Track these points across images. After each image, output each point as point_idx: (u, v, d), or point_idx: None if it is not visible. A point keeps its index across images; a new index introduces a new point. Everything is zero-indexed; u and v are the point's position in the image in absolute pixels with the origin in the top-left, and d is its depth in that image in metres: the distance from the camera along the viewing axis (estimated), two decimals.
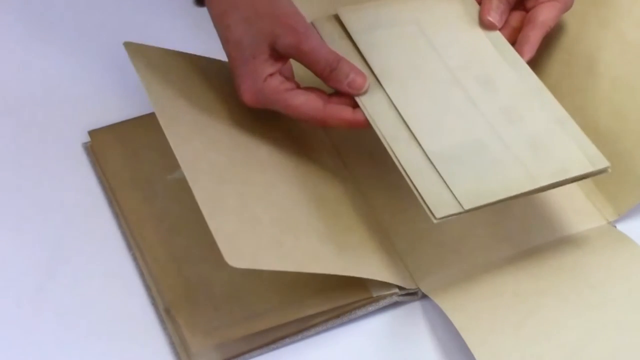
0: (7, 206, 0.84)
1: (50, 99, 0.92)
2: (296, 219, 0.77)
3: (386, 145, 0.77)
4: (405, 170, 0.75)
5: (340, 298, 0.77)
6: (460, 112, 0.80)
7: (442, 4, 0.88)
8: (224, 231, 0.70)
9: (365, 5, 0.87)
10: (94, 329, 0.77)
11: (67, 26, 0.99)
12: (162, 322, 0.77)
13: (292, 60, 0.80)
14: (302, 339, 0.77)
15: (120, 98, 0.92)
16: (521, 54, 0.84)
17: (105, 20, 0.99)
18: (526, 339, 0.74)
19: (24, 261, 0.81)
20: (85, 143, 0.89)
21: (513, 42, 0.86)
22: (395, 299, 0.78)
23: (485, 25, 0.86)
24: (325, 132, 0.88)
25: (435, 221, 0.73)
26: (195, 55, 0.86)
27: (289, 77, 0.80)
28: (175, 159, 0.74)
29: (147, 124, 0.87)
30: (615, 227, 0.84)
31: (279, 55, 0.78)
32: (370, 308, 0.78)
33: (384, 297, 0.78)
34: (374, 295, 0.78)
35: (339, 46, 0.83)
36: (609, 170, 0.77)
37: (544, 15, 0.85)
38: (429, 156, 0.76)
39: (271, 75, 0.78)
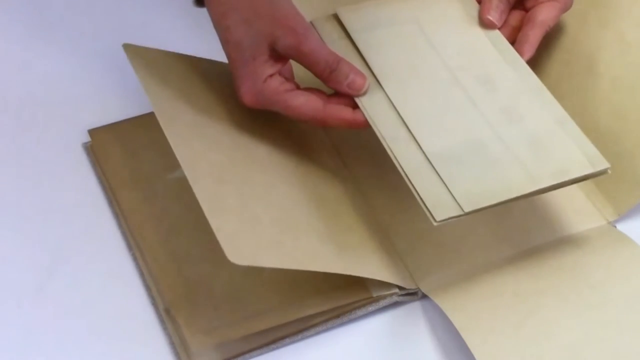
0: (7, 206, 0.84)
1: (50, 99, 0.92)
2: (296, 219, 0.77)
3: (385, 146, 0.77)
4: (404, 172, 0.75)
5: (340, 298, 0.77)
6: (460, 112, 0.80)
7: (441, 3, 0.88)
8: (225, 230, 0.71)
9: (364, 5, 0.87)
10: (94, 329, 0.77)
11: (67, 26, 0.99)
12: (162, 322, 0.77)
13: (292, 61, 0.80)
14: (302, 339, 0.77)
15: (120, 98, 0.92)
16: (521, 54, 0.84)
17: (106, 20, 0.99)
18: (526, 339, 0.74)
19: (24, 261, 0.81)
20: (86, 143, 0.89)
21: (512, 41, 0.86)
22: (395, 299, 0.78)
23: (485, 24, 0.86)
24: (325, 132, 0.88)
25: (435, 224, 0.73)
26: (194, 57, 0.86)
27: (289, 78, 0.80)
28: (176, 158, 0.74)
29: (147, 123, 0.87)
30: (615, 227, 0.84)
31: (278, 56, 0.78)
32: (370, 308, 0.78)
33: (384, 297, 0.78)
34: (374, 295, 0.78)
35: (339, 46, 0.83)
36: (609, 171, 0.77)
37: (544, 15, 0.85)
38: (429, 157, 0.76)
39: (271, 76, 0.78)
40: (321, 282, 0.77)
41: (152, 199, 0.84)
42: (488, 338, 0.74)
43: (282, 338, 0.76)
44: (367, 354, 0.77)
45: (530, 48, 0.84)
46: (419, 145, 0.77)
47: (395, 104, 0.80)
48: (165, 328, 0.77)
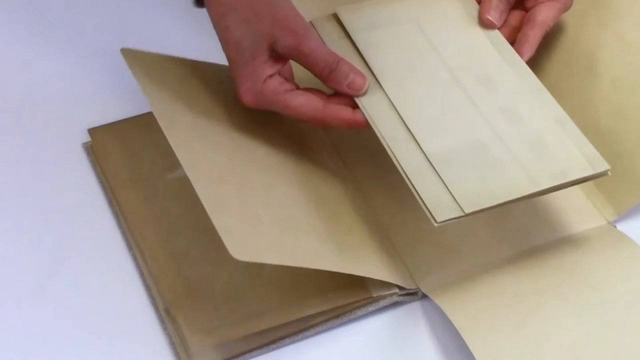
0: (7, 206, 0.84)
1: (50, 99, 0.92)
2: (296, 218, 0.77)
3: (385, 146, 0.77)
4: (404, 172, 0.75)
5: (340, 298, 0.77)
6: (459, 112, 0.80)
7: (441, 3, 0.88)
8: (227, 228, 0.70)
9: (364, 5, 0.87)
10: (94, 328, 0.77)
11: (67, 26, 0.99)
12: (162, 322, 0.77)
13: (291, 62, 0.80)
14: (302, 339, 0.77)
15: (119, 97, 0.92)
16: (520, 54, 0.84)
17: (105, 20, 0.99)
18: (526, 339, 0.74)
19: (24, 261, 0.81)
20: (86, 143, 0.89)
21: (512, 41, 0.86)
22: (395, 299, 0.78)
23: (485, 24, 0.86)
24: (325, 132, 0.88)
25: (436, 225, 0.73)
26: (192, 60, 0.86)
27: (289, 78, 0.80)
28: (176, 158, 0.74)
29: (147, 122, 0.86)
30: (615, 227, 0.84)
31: (278, 56, 0.78)
32: (370, 308, 0.78)
33: (384, 297, 0.78)
34: (374, 295, 0.78)
35: (338, 46, 0.83)
36: (609, 173, 0.77)
37: (544, 15, 0.85)
38: (428, 157, 0.76)
39: (271, 76, 0.78)
40: (321, 282, 0.77)
41: (152, 199, 0.84)
42: (488, 338, 0.74)
43: (282, 338, 0.76)
44: (367, 354, 0.77)
45: (530, 48, 0.84)
46: (418, 145, 0.77)
47: (395, 104, 0.80)
48: (165, 328, 0.77)
